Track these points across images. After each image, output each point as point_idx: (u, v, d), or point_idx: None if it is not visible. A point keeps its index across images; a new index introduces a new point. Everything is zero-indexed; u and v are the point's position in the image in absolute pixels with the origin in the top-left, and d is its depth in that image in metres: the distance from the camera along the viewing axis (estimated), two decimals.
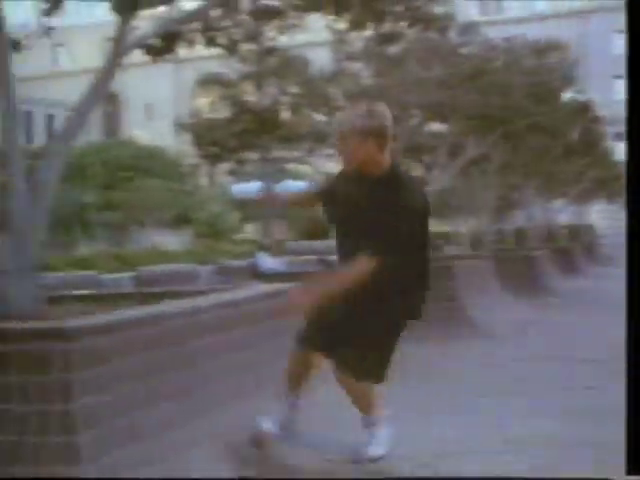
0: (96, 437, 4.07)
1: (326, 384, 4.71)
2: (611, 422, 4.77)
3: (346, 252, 4.34)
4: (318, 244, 18.93)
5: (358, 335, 4.36)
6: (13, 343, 4.23)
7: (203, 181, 51.36)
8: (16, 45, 6.64)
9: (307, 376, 4.66)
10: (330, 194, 4.56)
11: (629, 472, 2.78)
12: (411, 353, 9.23)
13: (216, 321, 5.43)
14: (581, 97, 17.96)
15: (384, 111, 4.37)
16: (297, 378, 4.66)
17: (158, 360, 4.74)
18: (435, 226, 37.19)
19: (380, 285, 4.20)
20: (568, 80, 15.48)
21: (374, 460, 4.61)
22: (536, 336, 10.95)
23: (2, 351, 4.22)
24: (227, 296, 6.12)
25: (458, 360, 8.85)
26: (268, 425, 4.65)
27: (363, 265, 4.16)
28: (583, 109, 17.78)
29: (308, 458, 4.82)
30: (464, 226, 24.99)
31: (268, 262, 15.25)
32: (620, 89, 53.79)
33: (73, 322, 4.62)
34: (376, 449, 4.60)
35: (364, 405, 4.60)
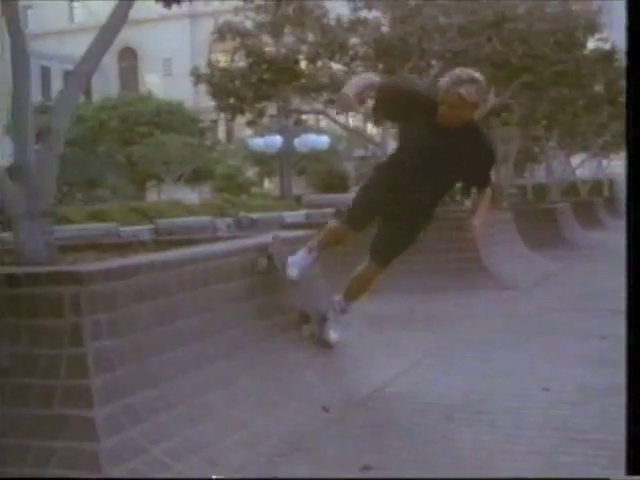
0: (110, 381, 4.01)
1: None
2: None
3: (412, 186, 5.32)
4: (335, 197, 18.83)
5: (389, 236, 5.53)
6: (25, 287, 4.16)
7: (221, 136, 51.30)
8: None
9: (335, 245, 5.73)
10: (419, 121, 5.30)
11: (629, 472, 2.74)
12: (433, 301, 9.31)
13: (231, 267, 5.34)
14: (606, 46, 17.58)
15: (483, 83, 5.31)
16: (329, 245, 5.67)
17: (174, 304, 4.67)
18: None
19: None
20: (592, 28, 15.14)
21: (330, 343, 5.63)
22: (556, 287, 10.87)
23: (13, 294, 4.15)
24: (241, 242, 6.02)
25: (480, 310, 8.80)
26: (294, 272, 5.52)
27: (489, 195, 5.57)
28: (607, 59, 17.39)
29: None
30: None
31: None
32: None
33: (86, 266, 4.56)
34: (335, 335, 5.68)
35: (355, 289, 5.71)
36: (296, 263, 5.56)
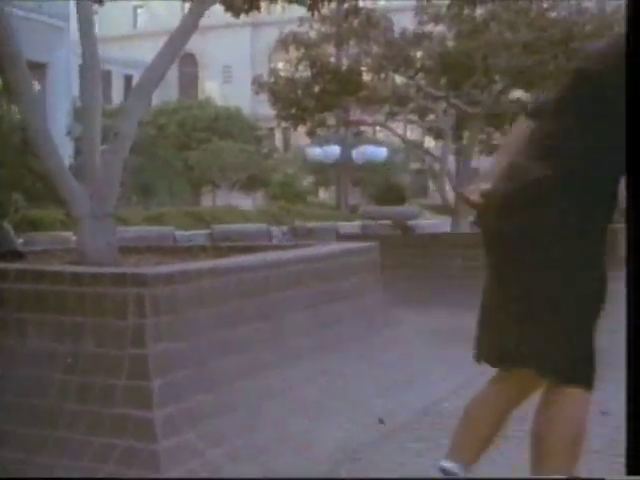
0: (168, 383, 4.04)
1: None
2: None
3: None
4: (392, 209, 18.83)
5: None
6: (89, 286, 4.21)
7: (278, 144, 51.54)
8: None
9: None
10: None
11: (629, 472, 2.71)
12: None
13: (291, 275, 5.35)
14: None
15: None
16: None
17: (233, 310, 4.69)
18: None
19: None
20: None
21: None
22: None
23: (77, 293, 4.21)
24: (302, 251, 6.04)
25: None
26: None
27: None
28: None
29: None
30: None
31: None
32: None
33: (150, 269, 4.61)
34: None
35: (570, 451, 3.02)
36: None
